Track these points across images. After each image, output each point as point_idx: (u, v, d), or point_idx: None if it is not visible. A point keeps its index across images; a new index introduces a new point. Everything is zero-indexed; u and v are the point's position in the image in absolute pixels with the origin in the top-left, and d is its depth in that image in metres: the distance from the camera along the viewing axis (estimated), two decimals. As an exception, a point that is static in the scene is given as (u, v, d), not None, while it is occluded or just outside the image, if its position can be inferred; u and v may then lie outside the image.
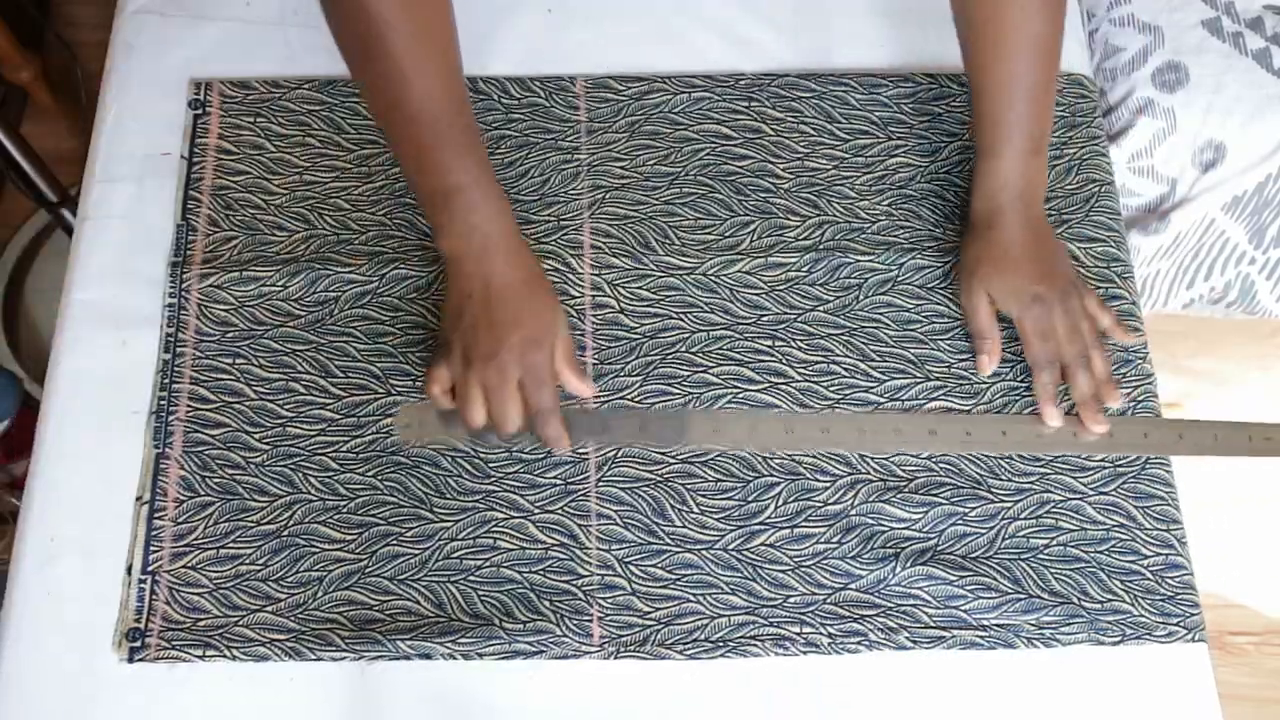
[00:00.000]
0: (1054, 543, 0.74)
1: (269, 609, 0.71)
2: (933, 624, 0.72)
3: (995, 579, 0.73)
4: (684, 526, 0.74)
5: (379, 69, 0.67)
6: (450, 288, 0.72)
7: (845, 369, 0.79)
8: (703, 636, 0.71)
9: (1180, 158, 1.03)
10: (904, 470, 0.76)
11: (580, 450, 0.75)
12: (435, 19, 0.68)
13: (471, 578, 0.72)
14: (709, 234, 0.83)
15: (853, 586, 0.73)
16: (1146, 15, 1.04)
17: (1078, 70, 0.91)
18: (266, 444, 0.75)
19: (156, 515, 0.73)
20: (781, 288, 0.81)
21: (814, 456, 0.76)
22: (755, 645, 0.71)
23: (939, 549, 0.74)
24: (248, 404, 0.77)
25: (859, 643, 0.71)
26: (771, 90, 0.88)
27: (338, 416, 0.76)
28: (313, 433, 0.76)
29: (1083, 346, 0.75)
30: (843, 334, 0.80)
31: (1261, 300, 1.16)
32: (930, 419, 0.77)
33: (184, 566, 0.72)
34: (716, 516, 0.74)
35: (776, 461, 0.76)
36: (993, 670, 0.71)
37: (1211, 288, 1.16)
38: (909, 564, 0.73)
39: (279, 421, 0.76)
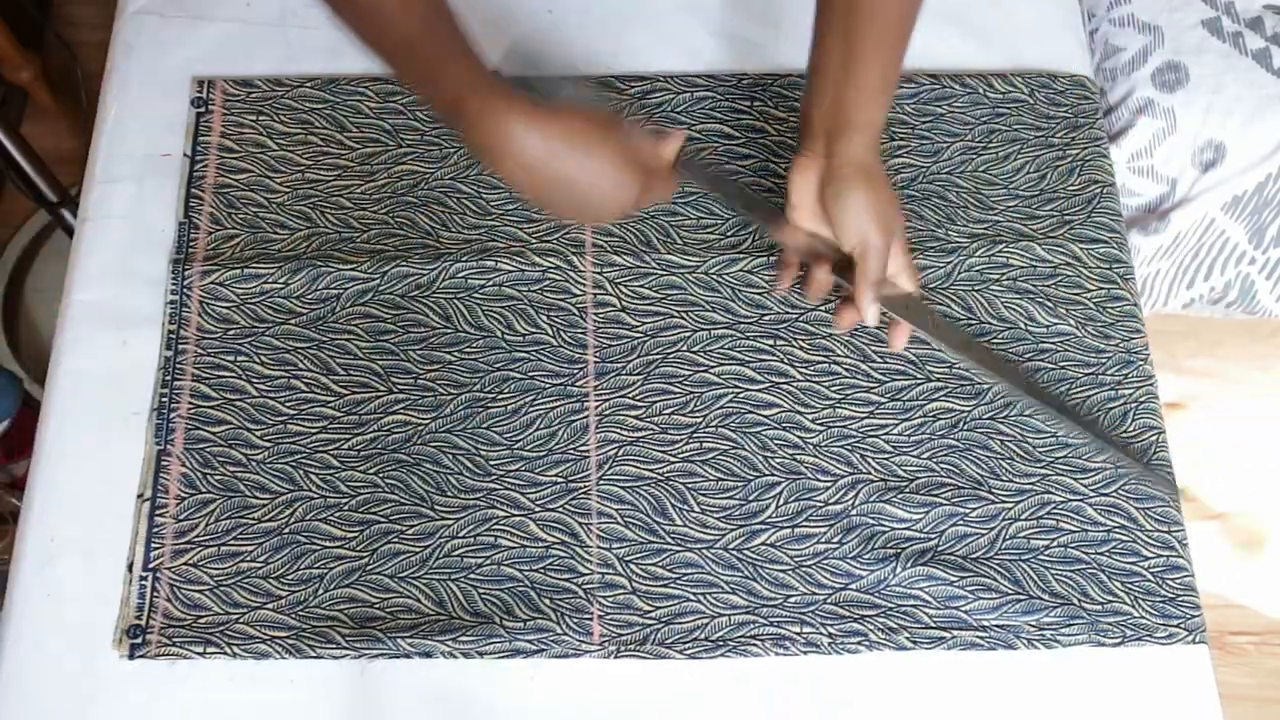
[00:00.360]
0: (1055, 544, 0.74)
1: (269, 606, 0.71)
2: (933, 624, 0.72)
3: (996, 580, 0.73)
4: (685, 525, 0.74)
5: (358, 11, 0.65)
6: (511, 183, 0.68)
7: (846, 369, 0.79)
8: (703, 636, 0.71)
9: (1180, 158, 1.03)
10: (905, 470, 0.76)
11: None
12: None
13: (472, 576, 0.72)
14: (711, 233, 0.83)
15: (853, 586, 0.73)
16: (1146, 15, 1.04)
17: (1078, 71, 0.91)
18: (268, 441, 0.75)
19: (158, 512, 0.73)
20: (783, 287, 0.81)
21: (815, 456, 0.76)
22: (755, 645, 0.71)
23: (939, 549, 0.74)
24: (249, 401, 0.77)
25: (859, 643, 0.71)
26: (774, 90, 0.88)
27: (339, 414, 0.76)
28: (314, 430, 0.76)
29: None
30: (844, 333, 0.80)
31: (1261, 300, 1.16)
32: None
33: (185, 563, 0.72)
34: (717, 515, 0.74)
35: (778, 460, 0.76)
36: (993, 671, 0.71)
37: (1211, 288, 1.16)
38: (909, 564, 0.73)
39: (280, 419, 0.76)
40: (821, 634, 0.71)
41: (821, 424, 0.77)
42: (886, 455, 0.76)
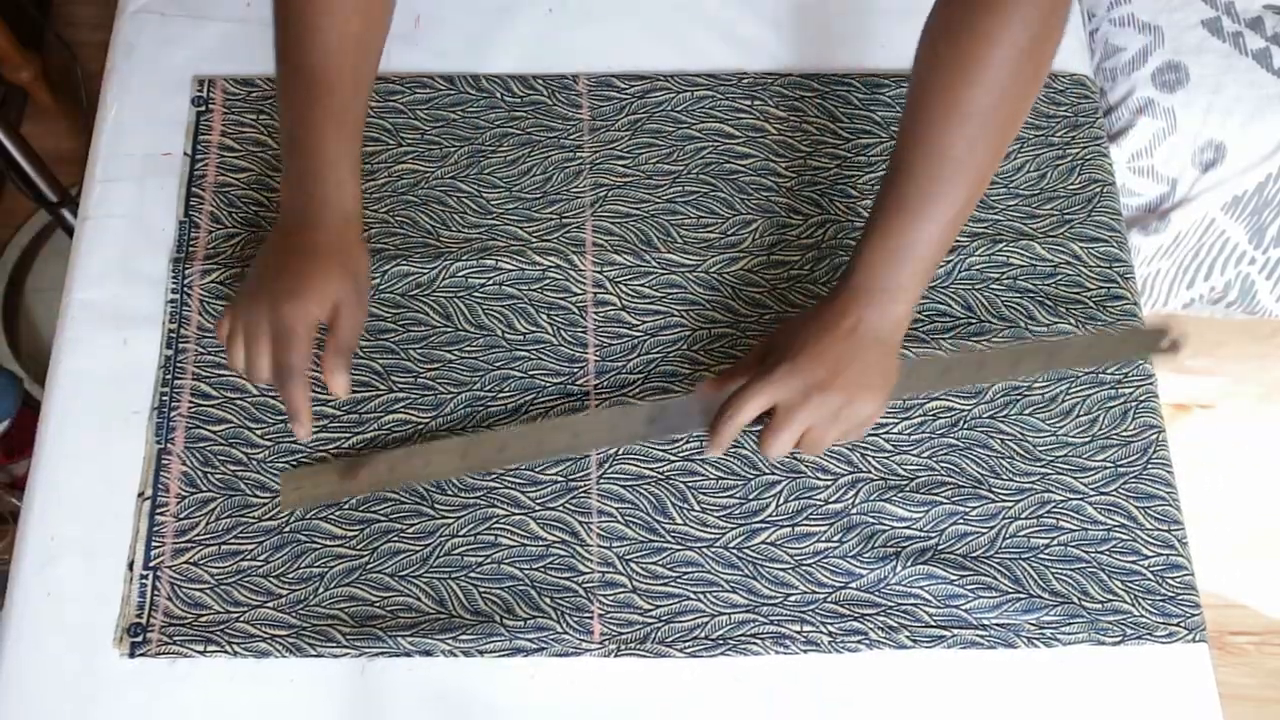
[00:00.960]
0: (1055, 542, 0.74)
1: (270, 605, 0.71)
2: (933, 623, 0.72)
3: (996, 578, 0.73)
4: (685, 524, 0.74)
5: (290, 11, 0.67)
6: (266, 240, 0.70)
7: (846, 367, 0.79)
8: (703, 634, 0.71)
9: (1180, 158, 1.04)
10: (905, 469, 0.76)
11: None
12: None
13: (472, 574, 0.72)
14: (711, 232, 0.83)
15: (853, 585, 0.73)
16: (1146, 15, 1.04)
17: (1078, 70, 0.91)
18: (268, 440, 0.75)
19: (158, 511, 0.73)
20: (783, 286, 0.81)
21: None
22: (755, 643, 0.71)
23: (940, 548, 0.74)
24: (249, 400, 0.77)
25: (859, 641, 0.71)
26: (774, 89, 0.88)
27: (339, 413, 0.76)
28: (314, 429, 0.76)
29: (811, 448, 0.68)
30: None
31: (1261, 300, 1.16)
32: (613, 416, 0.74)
33: (185, 562, 0.72)
34: (717, 514, 0.74)
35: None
36: (993, 670, 0.71)
37: (1211, 287, 1.16)
38: (910, 563, 0.73)
39: (281, 418, 0.76)
40: (821, 632, 0.71)
41: (822, 423, 0.77)
42: (887, 454, 0.76)
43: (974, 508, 0.75)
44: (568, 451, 0.73)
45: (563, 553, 0.73)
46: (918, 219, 0.66)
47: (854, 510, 0.75)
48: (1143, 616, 0.72)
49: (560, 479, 0.75)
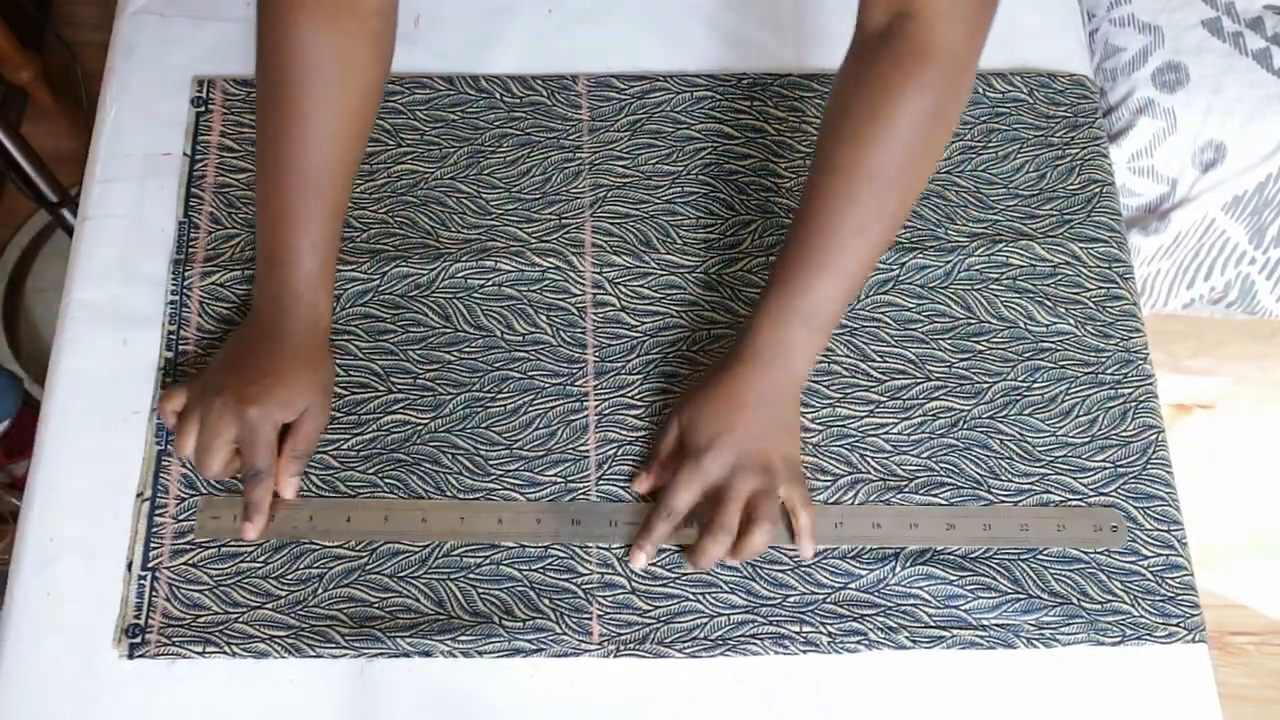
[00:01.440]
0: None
1: (269, 606, 0.71)
2: (932, 624, 0.72)
3: (995, 579, 0.73)
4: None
5: (274, 126, 0.69)
6: (236, 333, 0.74)
7: (846, 368, 0.79)
8: (702, 635, 0.71)
9: (1180, 158, 1.03)
10: (904, 469, 0.76)
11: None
12: (346, 110, 0.70)
13: (471, 575, 0.72)
14: (711, 232, 0.83)
15: (852, 586, 0.73)
16: (1146, 15, 1.04)
17: (1078, 70, 0.91)
18: (267, 441, 0.75)
19: (157, 512, 0.73)
20: (782, 287, 0.81)
21: (815, 455, 0.76)
22: (755, 644, 0.71)
23: (939, 549, 0.74)
24: (248, 402, 0.76)
25: (858, 642, 0.71)
26: (774, 90, 0.88)
27: (339, 414, 0.76)
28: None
29: (741, 521, 0.68)
30: (843, 333, 0.80)
31: (1261, 300, 1.16)
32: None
33: (184, 563, 0.72)
34: (717, 515, 0.74)
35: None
36: (992, 670, 0.71)
37: (1211, 288, 1.16)
38: (909, 564, 0.73)
39: (280, 419, 0.76)
40: (821, 633, 0.71)
41: (821, 423, 0.77)
42: (886, 454, 0.76)
43: (973, 508, 0.75)
44: (490, 538, 0.73)
45: (562, 554, 0.73)
46: (819, 277, 0.68)
47: (853, 511, 0.75)
48: (1142, 617, 0.72)
49: (560, 480, 0.75)
